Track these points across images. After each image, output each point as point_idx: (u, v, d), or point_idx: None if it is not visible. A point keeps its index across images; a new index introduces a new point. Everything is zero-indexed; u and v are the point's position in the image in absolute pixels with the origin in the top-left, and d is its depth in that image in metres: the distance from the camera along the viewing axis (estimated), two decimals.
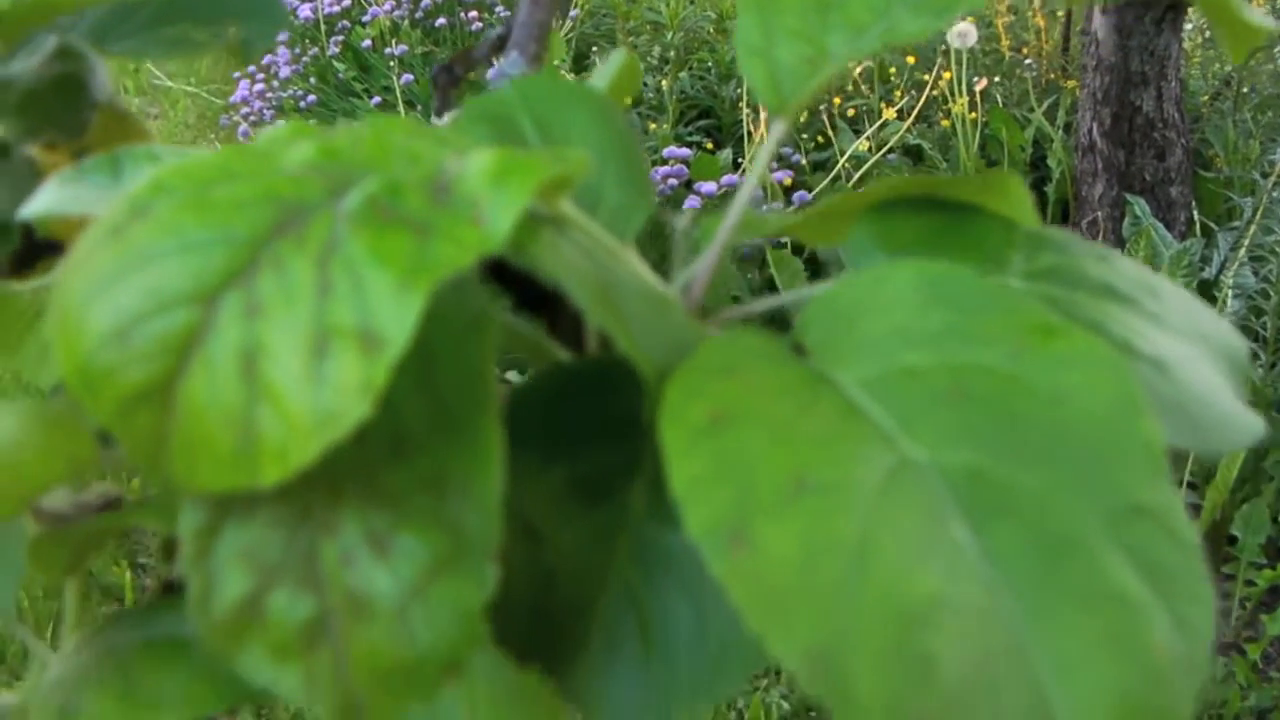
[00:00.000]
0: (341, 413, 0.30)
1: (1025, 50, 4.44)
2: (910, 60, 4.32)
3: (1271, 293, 3.02)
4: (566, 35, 4.78)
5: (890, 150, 3.79)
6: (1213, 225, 3.40)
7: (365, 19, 5.40)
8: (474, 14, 5.21)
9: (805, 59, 0.42)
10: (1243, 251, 3.01)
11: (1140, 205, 3.17)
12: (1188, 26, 3.97)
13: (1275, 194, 3.20)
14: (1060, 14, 4.44)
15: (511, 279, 0.43)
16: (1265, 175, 3.42)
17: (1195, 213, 3.43)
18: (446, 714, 0.41)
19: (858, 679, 0.28)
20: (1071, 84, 4.10)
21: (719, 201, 3.51)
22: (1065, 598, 0.29)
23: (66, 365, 0.32)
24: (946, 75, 4.03)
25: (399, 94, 4.70)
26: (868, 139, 3.85)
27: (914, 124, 3.92)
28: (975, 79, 4.00)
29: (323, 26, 5.43)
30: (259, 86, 5.30)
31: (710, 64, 4.53)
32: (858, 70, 4.29)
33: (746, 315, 0.42)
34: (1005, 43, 4.41)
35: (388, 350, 0.29)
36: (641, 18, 4.90)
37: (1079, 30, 4.03)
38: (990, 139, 3.94)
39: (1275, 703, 2.35)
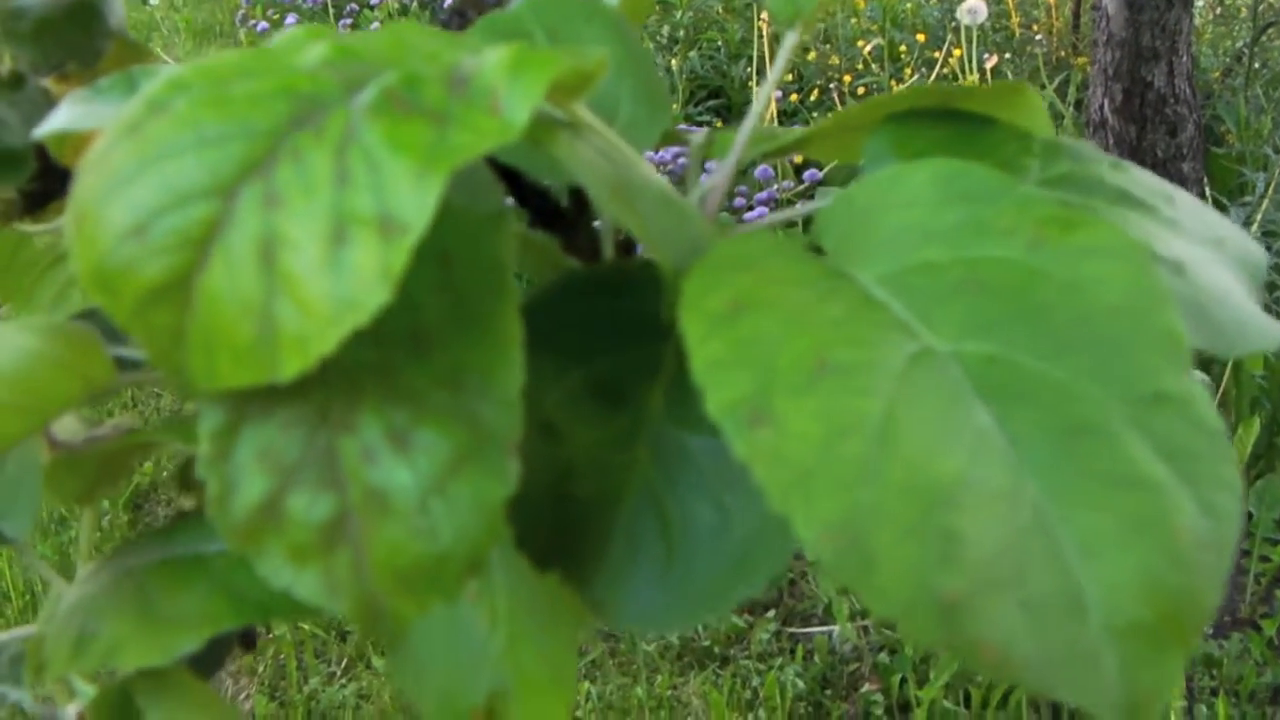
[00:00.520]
0: (361, 299, 0.30)
1: (1035, 27, 4.42)
2: (920, 38, 4.31)
3: None
4: None
5: None
6: (1225, 201, 3.39)
7: (374, 2, 5.40)
8: None
9: None
10: (1255, 227, 3.00)
11: None
12: (1199, 2, 3.95)
13: None
14: None
15: (527, 198, 0.43)
16: (1277, 151, 3.41)
17: (1207, 188, 3.41)
18: (467, 626, 0.41)
19: (881, 556, 0.28)
20: (1082, 60, 4.09)
21: (732, 179, 3.50)
22: (1089, 482, 0.29)
23: (83, 264, 0.32)
24: (957, 52, 4.02)
25: None
26: None
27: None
28: (985, 56, 3.99)
29: (331, 10, 5.42)
30: None
31: (720, 43, 4.52)
32: (867, 48, 4.28)
33: (763, 227, 0.42)
34: (1015, 20, 4.40)
35: (407, 235, 0.29)
36: None
37: (1090, 6, 4.02)
38: None
39: None
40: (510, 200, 0.43)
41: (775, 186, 3.46)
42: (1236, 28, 4.47)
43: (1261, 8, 4.27)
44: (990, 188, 0.34)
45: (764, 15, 3.92)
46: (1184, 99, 3.45)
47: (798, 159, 3.54)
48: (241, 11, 5.92)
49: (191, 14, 6.19)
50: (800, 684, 2.39)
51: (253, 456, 0.34)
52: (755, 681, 2.41)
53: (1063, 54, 4.32)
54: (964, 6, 3.85)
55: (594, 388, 0.37)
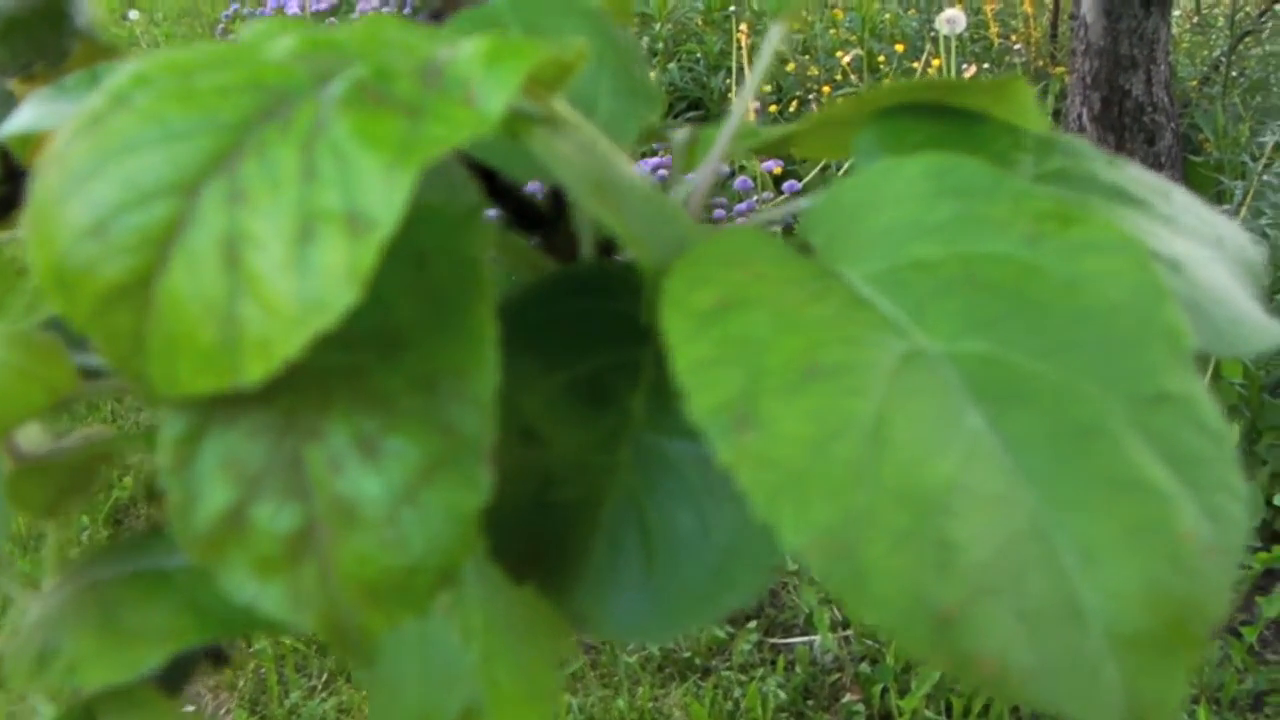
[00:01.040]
0: (328, 300, 0.28)
1: (1014, 37, 4.43)
2: (899, 48, 4.32)
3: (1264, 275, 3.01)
4: None
5: None
6: None
7: (354, 15, 5.39)
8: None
9: None
10: None
11: None
12: (1176, 11, 3.96)
13: (1265, 177, 3.20)
14: (1048, 0, 4.44)
15: (504, 197, 0.42)
16: (1255, 158, 3.42)
17: None
18: (441, 640, 0.39)
19: (873, 565, 0.27)
20: (1060, 70, 4.10)
21: (710, 190, 3.49)
22: (1088, 486, 0.28)
23: (40, 264, 0.31)
24: (935, 63, 4.03)
25: None
26: None
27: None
28: (964, 66, 3.99)
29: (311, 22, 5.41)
30: None
31: (699, 55, 4.52)
32: (846, 59, 4.28)
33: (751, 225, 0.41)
34: (994, 29, 4.41)
35: (376, 232, 0.28)
36: (630, 10, 4.88)
37: (1068, 15, 4.03)
38: None
39: (1272, 685, 2.34)
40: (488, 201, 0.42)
41: (755, 198, 3.45)
42: (1214, 36, 4.48)
43: (1238, 16, 4.28)
44: (984, 182, 0.33)
45: (742, 27, 3.92)
46: (1162, 107, 3.46)
47: (776, 170, 3.54)
48: (221, 26, 5.90)
49: (171, 29, 6.17)
50: (782, 695, 2.38)
51: (216, 465, 0.32)
52: (737, 693, 2.40)
53: (1041, 63, 4.33)
54: (942, 16, 3.85)
55: (573, 391, 0.35)
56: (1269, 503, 2.64)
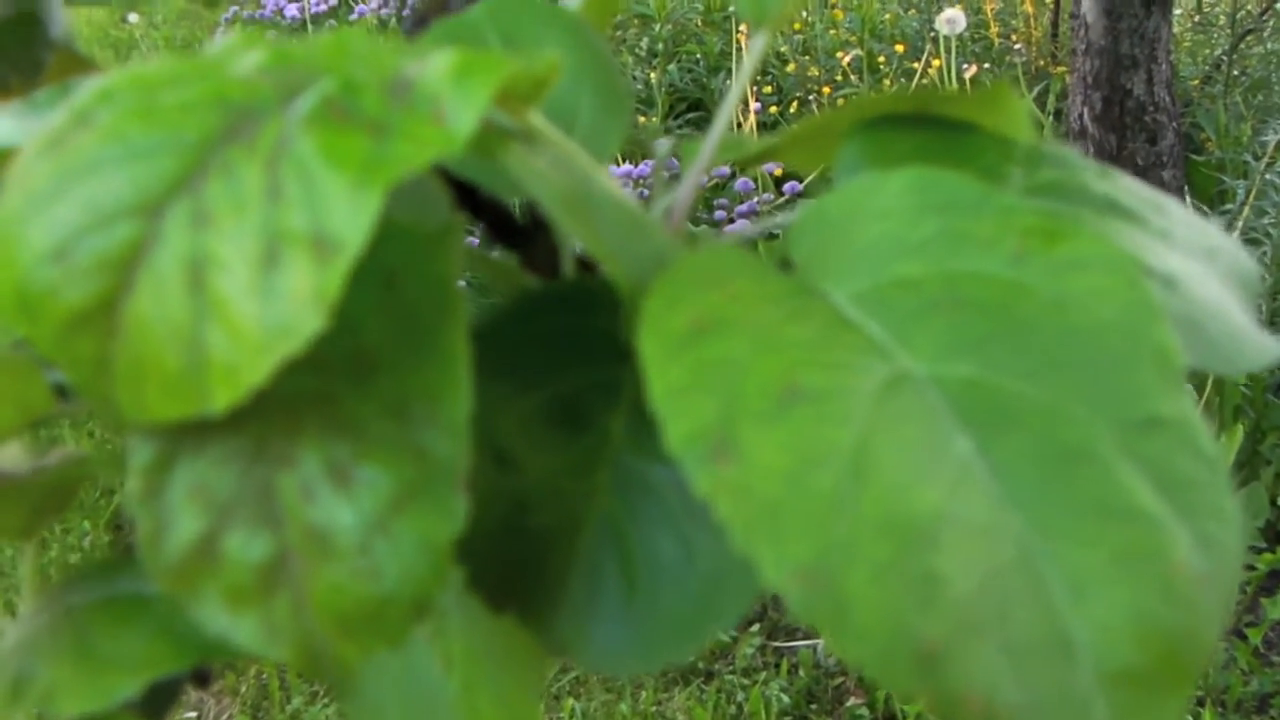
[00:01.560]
0: (294, 325, 0.28)
1: (1014, 37, 4.42)
2: (899, 49, 4.31)
3: (1267, 276, 3.00)
4: None
5: None
6: (1206, 209, 3.39)
7: (352, 17, 5.38)
8: None
9: None
10: (1236, 234, 2.99)
11: None
12: (1177, 10, 3.95)
13: (1268, 176, 3.18)
14: (1049, 0, 4.43)
15: (483, 212, 0.41)
16: (1257, 158, 3.41)
17: (1188, 196, 3.41)
18: (421, 671, 0.39)
19: (855, 600, 0.26)
20: (1061, 70, 4.09)
21: (710, 192, 3.49)
22: (1077, 514, 0.27)
23: (2, 289, 0.30)
24: (936, 63, 4.02)
25: None
26: None
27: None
28: (964, 66, 3.99)
29: (309, 26, 5.40)
30: None
31: (699, 56, 4.51)
32: (846, 59, 4.27)
33: (732, 241, 0.40)
34: (994, 29, 4.39)
35: (342, 255, 0.27)
36: (629, 10, 4.88)
37: (1068, 15, 4.01)
38: None
39: (1277, 687, 2.34)
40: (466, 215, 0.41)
41: (756, 199, 3.45)
42: (1215, 35, 4.47)
43: (1240, 15, 4.27)
44: (970, 197, 0.32)
45: (742, 28, 3.91)
46: (1163, 107, 3.45)
47: (777, 171, 3.53)
48: (221, 29, 5.89)
49: (170, 31, 6.16)
50: (785, 699, 2.38)
51: (185, 493, 0.31)
52: (740, 697, 2.39)
53: (1042, 63, 4.32)
54: (942, 17, 3.84)
55: (551, 413, 0.35)
56: (1273, 503, 2.63)
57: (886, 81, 4.20)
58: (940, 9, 4.13)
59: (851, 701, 2.38)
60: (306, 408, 0.31)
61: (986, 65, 4.23)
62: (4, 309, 0.30)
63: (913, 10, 4.71)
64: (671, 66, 4.44)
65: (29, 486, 0.45)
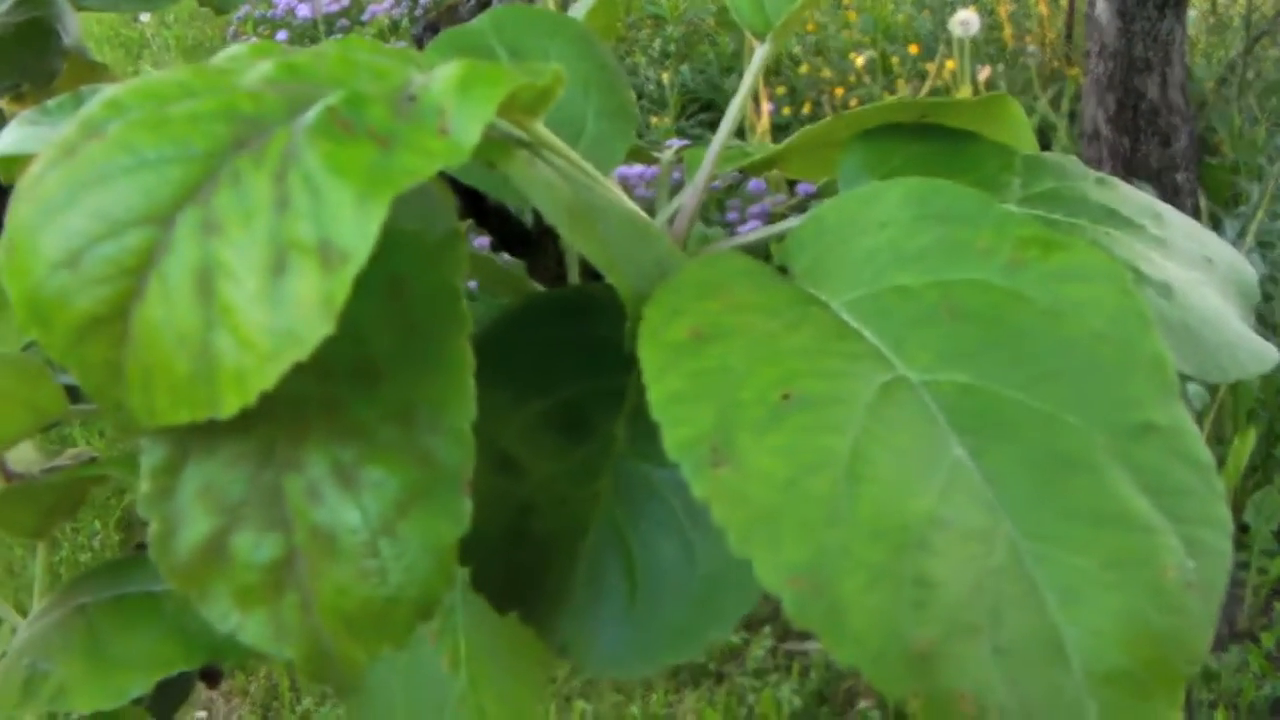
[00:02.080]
0: (302, 332, 0.28)
1: (1028, 38, 4.42)
2: (913, 50, 4.30)
3: (1279, 277, 3.00)
4: None
5: None
6: (1220, 211, 3.38)
7: (365, 18, 5.39)
8: None
9: None
10: (1250, 237, 2.99)
11: (1147, 192, 3.15)
12: (1191, 13, 3.94)
13: None
14: (1063, 1, 4.42)
15: (490, 220, 0.42)
16: (1272, 161, 3.40)
17: (1202, 199, 3.40)
18: (428, 669, 0.39)
19: (849, 603, 0.26)
20: (1075, 71, 4.08)
21: (724, 194, 3.49)
22: (1070, 520, 0.28)
23: (16, 296, 0.31)
24: (950, 65, 4.02)
25: None
26: None
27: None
28: (978, 68, 3.98)
29: (321, 26, 5.41)
30: None
31: (711, 56, 4.51)
32: (860, 61, 4.27)
33: (734, 247, 0.41)
34: (1008, 31, 4.39)
35: (348, 264, 0.28)
36: (642, 11, 4.88)
37: (1083, 17, 4.01)
38: None
39: None
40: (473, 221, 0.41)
41: (768, 200, 3.45)
42: (1229, 37, 4.46)
43: (1254, 17, 4.26)
44: (967, 207, 0.33)
45: None
46: (1178, 109, 3.44)
47: None
48: (233, 28, 5.90)
49: (182, 31, 6.17)
50: (796, 700, 2.38)
51: (196, 495, 0.32)
52: (751, 698, 2.39)
53: (1056, 65, 4.32)
54: (956, 18, 3.84)
55: (554, 419, 0.35)
56: None
57: (900, 83, 4.20)
58: (954, 10, 4.13)
59: (863, 704, 2.38)
60: (313, 412, 0.32)
61: (1000, 67, 4.23)
62: (18, 315, 0.31)
63: (926, 11, 4.70)
64: (684, 67, 4.44)
65: (42, 487, 0.46)
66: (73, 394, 0.44)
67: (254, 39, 5.44)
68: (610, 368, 0.35)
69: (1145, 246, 0.38)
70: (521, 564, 0.34)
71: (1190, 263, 0.39)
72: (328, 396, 0.32)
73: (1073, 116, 3.89)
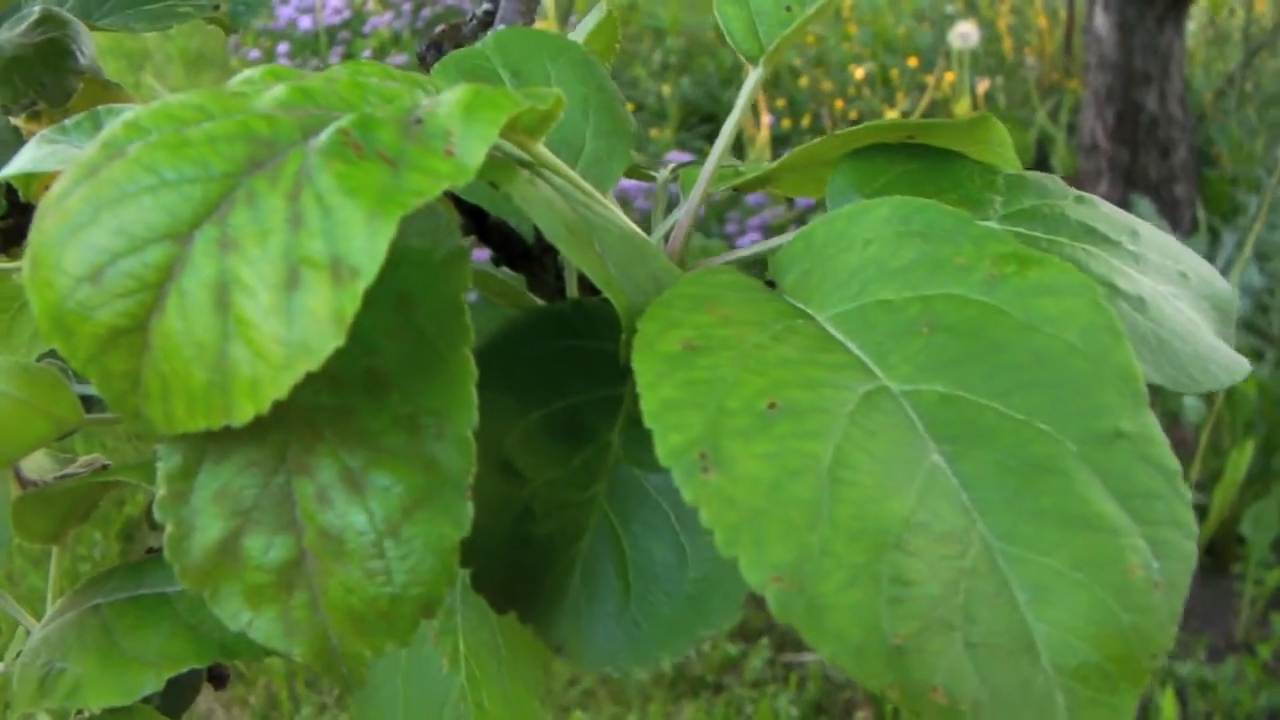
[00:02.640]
0: (313, 344, 0.30)
1: (1028, 51, 4.44)
2: (913, 62, 4.32)
3: (1278, 290, 3.01)
4: None
5: None
6: (1218, 223, 3.39)
7: (366, 30, 5.41)
8: None
9: (782, 4, 0.42)
10: (1248, 249, 3.00)
11: (1145, 204, 3.16)
12: (1190, 25, 3.96)
13: None
14: (1062, 14, 4.44)
15: (491, 236, 0.43)
16: (1271, 172, 3.41)
17: (1200, 210, 3.42)
18: (429, 667, 0.41)
19: (830, 600, 0.28)
20: (1074, 84, 4.10)
21: (724, 207, 3.51)
22: (1041, 522, 0.29)
23: (40, 309, 0.32)
24: (949, 77, 4.04)
25: None
26: None
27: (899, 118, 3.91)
28: (978, 80, 4.00)
29: (323, 38, 5.43)
30: None
31: (711, 69, 4.53)
32: (860, 73, 4.29)
33: (727, 263, 0.42)
34: (1007, 43, 4.41)
35: (359, 279, 0.29)
36: (642, 24, 4.90)
37: (1081, 29, 4.03)
38: None
39: None
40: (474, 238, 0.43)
41: (767, 212, 3.46)
42: (1228, 50, 4.48)
43: (1253, 30, 4.28)
44: (947, 225, 0.34)
45: None
46: (1176, 121, 3.46)
47: None
48: (234, 40, 5.92)
49: (185, 43, 6.19)
50: (794, 711, 2.38)
51: (210, 498, 0.34)
52: (749, 709, 2.40)
53: (1055, 77, 4.33)
54: (956, 30, 3.86)
55: (553, 426, 0.37)
56: None
57: (900, 95, 4.22)
58: (953, 23, 4.15)
59: (860, 715, 2.39)
60: (324, 420, 0.33)
61: (999, 79, 4.25)
62: (42, 326, 0.32)
63: (926, 24, 4.73)
64: (684, 79, 4.46)
65: (57, 493, 0.47)
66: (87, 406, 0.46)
67: (256, 51, 5.46)
68: (606, 378, 0.37)
69: (1121, 262, 0.40)
70: (520, 565, 0.36)
71: (1165, 277, 0.40)
72: (337, 405, 0.33)
73: (1071, 129, 3.91)
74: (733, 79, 4.42)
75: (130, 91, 0.55)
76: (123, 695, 0.40)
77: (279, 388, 0.30)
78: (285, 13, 5.53)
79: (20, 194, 0.48)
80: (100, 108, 0.43)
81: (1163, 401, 2.70)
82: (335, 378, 0.31)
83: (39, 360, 0.53)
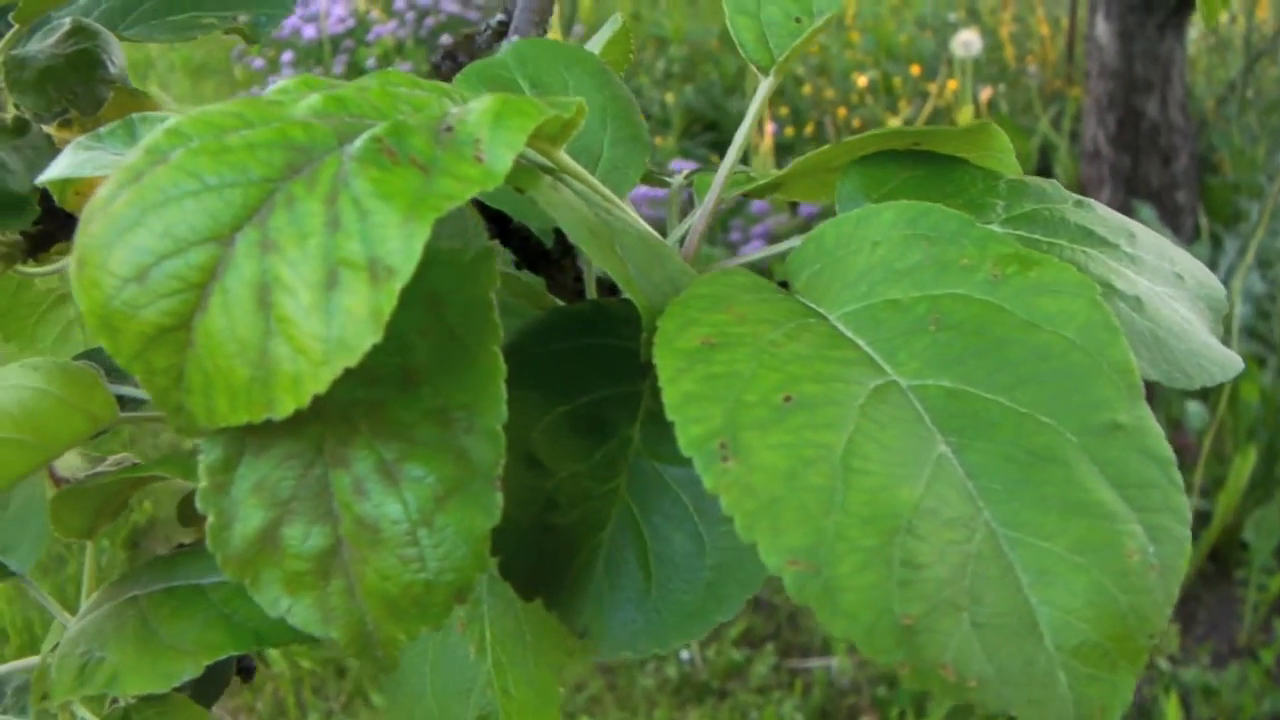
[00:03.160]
0: (352, 341, 0.31)
1: (1030, 58, 4.45)
2: (915, 71, 4.34)
3: (1279, 296, 3.02)
4: None
5: None
6: (1220, 229, 3.40)
7: (370, 38, 5.43)
8: None
9: (792, 16, 0.44)
10: (1250, 256, 3.01)
11: (1147, 211, 3.18)
12: (1191, 32, 3.98)
13: None
14: (1064, 21, 4.46)
15: (512, 239, 0.45)
16: (1272, 179, 3.43)
17: (1202, 218, 3.43)
18: (456, 654, 0.42)
19: (843, 582, 0.29)
20: (1076, 91, 4.11)
21: (728, 215, 3.53)
22: (1042, 509, 0.31)
23: (87, 308, 0.34)
24: (951, 85, 4.05)
25: None
26: None
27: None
28: (980, 88, 4.01)
29: (327, 46, 5.45)
30: None
31: (715, 77, 4.55)
32: (862, 81, 4.30)
33: (741, 265, 0.44)
34: (1009, 51, 4.42)
35: (395, 279, 0.31)
36: (645, 33, 4.92)
37: (1083, 37, 4.04)
38: None
39: None
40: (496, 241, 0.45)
41: (770, 220, 3.48)
42: (1230, 57, 4.50)
43: (1254, 37, 4.29)
44: (952, 228, 0.36)
45: None
46: (1178, 128, 3.47)
47: None
48: (238, 48, 5.93)
49: (188, 52, 6.20)
50: (799, 717, 2.39)
51: (249, 490, 0.35)
52: (754, 715, 2.41)
53: (1057, 84, 4.35)
54: (959, 39, 3.88)
55: (576, 421, 0.38)
56: None
57: (902, 103, 4.23)
58: (956, 31, 4.16)
59: None
60: (359, 414, 0.35)
61: (1002, 87, 4.26)
62: (89, 326, 0.34)
63: (929, 32, 4.74)
64: (687, 88, 4.48)
65: (92, 490, 0.49)
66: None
67: (260, 60, 5.48)
68: (626, 375, 0.38)
69: (1119, 263, 0.41)
70: (545, 554, 0.38)
71: (1161, 278, 0.42)
72: (372, 399, 0.35)
73: (1074, 136, 3.93)
74: (736, 87, 4.43)
75: (159, 102, 0.57)
76: (161, 682, 0.42)
77: (319, 383, 0.32)
78: (290, 21, 5.53)
79: (56, 199, 0.49)
80: (134, 115, 0.45)
81: (1166, 408, 2.72)
82: (369, 373, 0.32)
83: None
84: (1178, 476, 0.32)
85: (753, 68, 0.45)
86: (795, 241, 0.40)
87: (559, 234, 0.45)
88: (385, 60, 5.24)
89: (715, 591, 0.36)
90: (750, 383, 0.32)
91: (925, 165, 0.44)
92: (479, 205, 0.41)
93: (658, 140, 4.12)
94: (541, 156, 0.38)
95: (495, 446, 0.34)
